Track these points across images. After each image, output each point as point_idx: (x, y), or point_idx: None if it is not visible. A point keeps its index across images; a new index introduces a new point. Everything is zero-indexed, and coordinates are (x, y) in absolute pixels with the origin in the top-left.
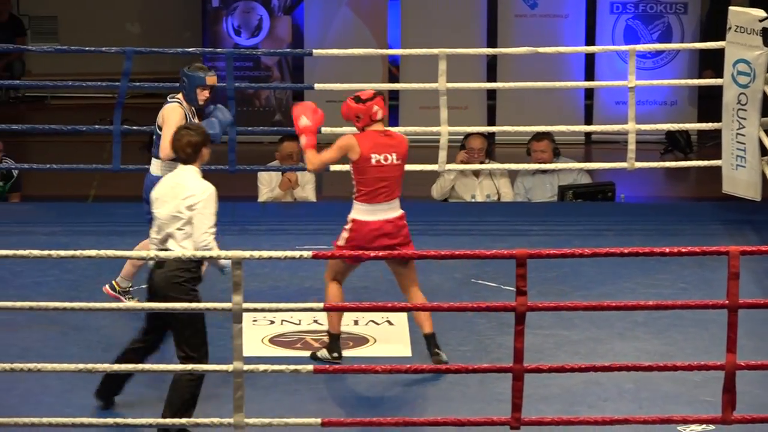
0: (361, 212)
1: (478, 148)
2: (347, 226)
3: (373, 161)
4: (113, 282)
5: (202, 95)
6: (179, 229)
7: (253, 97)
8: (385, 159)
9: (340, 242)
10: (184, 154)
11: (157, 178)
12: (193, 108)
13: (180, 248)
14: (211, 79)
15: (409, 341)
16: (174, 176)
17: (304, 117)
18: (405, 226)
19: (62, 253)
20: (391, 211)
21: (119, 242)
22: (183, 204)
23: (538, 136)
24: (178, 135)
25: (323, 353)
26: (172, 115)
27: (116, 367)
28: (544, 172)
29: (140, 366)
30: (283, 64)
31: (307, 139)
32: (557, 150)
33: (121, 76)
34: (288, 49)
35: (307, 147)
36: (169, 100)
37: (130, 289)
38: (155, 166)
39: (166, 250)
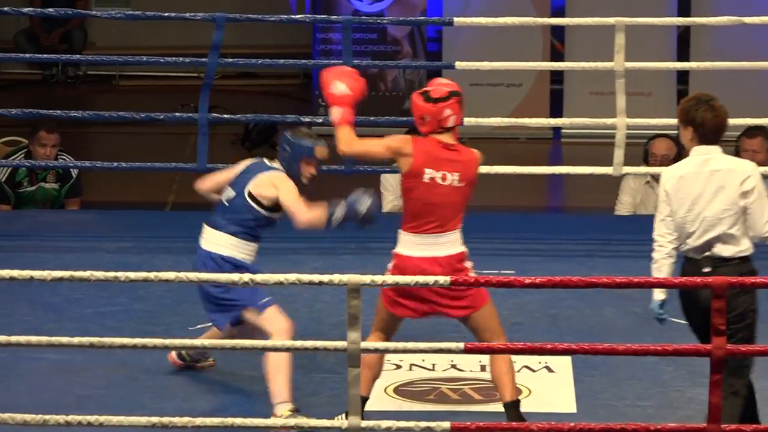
0: (404, 245)
1: (663, 154)
2: (390, 263)
3: (426, 177)
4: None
5: (308, 170)
6: (734, 225)
7: (377, 78)
8: (443, 178)
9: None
10: (721, 131)
11: (238, 265)
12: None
13: (737, 250)
14: (321, 150)
15: (574, 393)
16: (701, 163)
17: (338, 83)
18: (463, 270)
19: (132, 275)
20: (444, 247)
21: None
22: (739, 191)
23: (750, 132)
24: (712, 109)
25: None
26: (289, 184)
27: (198, 421)
28: None
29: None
30: (415, 37)
31: (342, 112)
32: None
33: (210, 51)
34: (422, 18)
35: (341, 122)
36: (267, 164)
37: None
38: (239, 249)
39: (712, 261)
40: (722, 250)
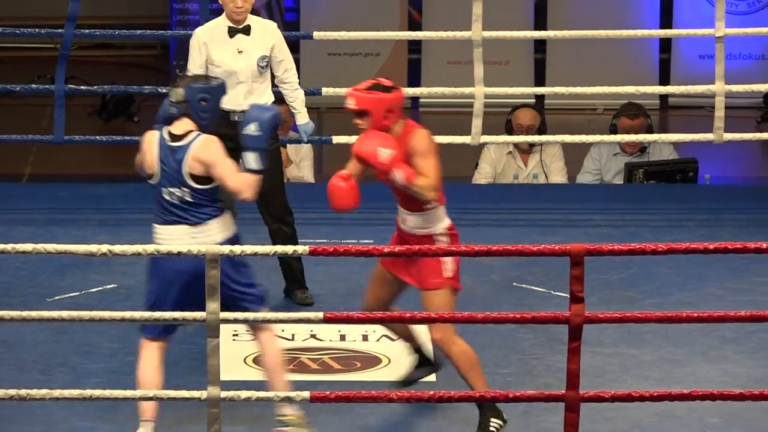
0: (446, 216)
1: (528, 124)
2: (447, 241)
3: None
4: None
5: None
6: None
7: None
8: None
9: (448, 273)
10: None
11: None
12: None
13: None
14: None
15: (433, 362)
16: None
17: (379, 148)
18: None
19: None
20: None
21: (61, 234)
22: None
23: (631, 113)
24: None
25: (495, 424)
26: (219, 151)
27: (57, 393)
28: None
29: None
30: (273, 7)
31: (404, 170)
32: (650, 128)
33: (66, 22)
34: None
35: (410, 177)
36: (175, 136)
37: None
38: (227, 225)
39: None
40: None
